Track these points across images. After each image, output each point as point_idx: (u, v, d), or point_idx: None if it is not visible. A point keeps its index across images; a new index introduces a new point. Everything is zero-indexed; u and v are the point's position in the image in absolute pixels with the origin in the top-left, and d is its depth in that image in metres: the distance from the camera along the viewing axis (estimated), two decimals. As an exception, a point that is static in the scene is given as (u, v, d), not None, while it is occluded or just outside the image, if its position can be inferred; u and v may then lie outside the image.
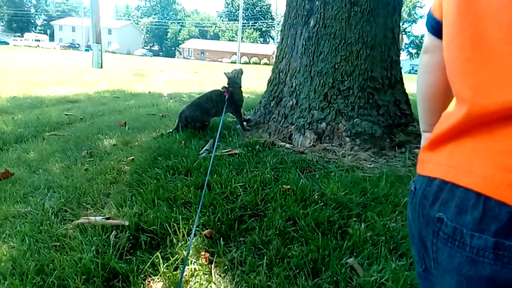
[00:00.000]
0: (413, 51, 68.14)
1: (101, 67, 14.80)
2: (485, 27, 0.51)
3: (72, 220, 1.69)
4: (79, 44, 58.14)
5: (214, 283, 1.28)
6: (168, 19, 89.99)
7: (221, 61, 46.98)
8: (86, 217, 1.67)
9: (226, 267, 1.36)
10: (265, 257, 1.39)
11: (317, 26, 3.01)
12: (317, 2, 3.03)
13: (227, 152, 2.52)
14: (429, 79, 0.78)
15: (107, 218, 1.61)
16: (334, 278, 1.29)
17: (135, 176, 2.11)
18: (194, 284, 1.27)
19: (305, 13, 3.11)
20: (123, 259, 1.39)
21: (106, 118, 4.08)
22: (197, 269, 1.33)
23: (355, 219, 1.66)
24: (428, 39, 0.75)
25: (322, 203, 1.79)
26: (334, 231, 1.57)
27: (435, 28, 0.70)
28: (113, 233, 1.50)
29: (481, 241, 0.46)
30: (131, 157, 2.44)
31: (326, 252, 1.41)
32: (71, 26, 69.37)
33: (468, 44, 0.53)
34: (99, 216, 1.68)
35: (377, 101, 2.93)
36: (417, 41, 67.35)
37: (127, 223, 1.55)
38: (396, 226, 1.59)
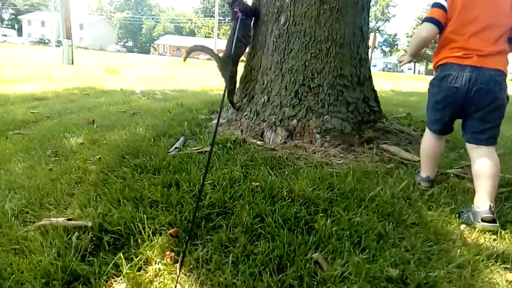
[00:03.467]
0: (387, 49, 69.64)
1: (72, 63, 14.37)
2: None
3: (34, 222, 1.64)
4: (49, 40, 56.13)
5: (179, 283, 1.27)
6: (142, 15, 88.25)
7: (198, 58, 46.51)
8: (48, 219, 1.61)
9: (191, 266, 1.35)
10: (231, 255, 1.39)
11: (287, 23, 3.02)
12: (287, 0, 3.04)
13: (197, 149, 2.50)
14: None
15: (69, 219, 1.57)
16: (299, 274, 1.30)
17: (101, 176, 2.06)
18: (159, 284, 1.25)
19: (275, 11, 3.12)
20: (85, 261, 1.35)
21: (74, 116, 3.96)
22: (162, 269, 1.32)
23: (321, 214, 1.68)
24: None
25: (290, 200, 1.81)
26: (301, 227, 1.59)
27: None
28: (75, 234, 1.46)
29: None
30: (98, 156, 2.38)
31: (292, 248, 1.42)
32: (41, 21, 66.92)
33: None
34: (62, 217, 1.63)
35: (347, 98, 2.97)
36: (390, 40, 68.84)
37: (90, 224, 1.51)
38: (360, 221, 1.62)
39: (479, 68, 1.80)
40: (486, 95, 1.80)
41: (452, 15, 1.89)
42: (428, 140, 2.11)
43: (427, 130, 2.11)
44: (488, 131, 1.86)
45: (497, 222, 1.70)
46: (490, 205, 1.74)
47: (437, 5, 1.94)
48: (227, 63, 3.02)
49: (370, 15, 3.45)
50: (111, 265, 1.31)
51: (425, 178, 2.09)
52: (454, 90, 1.85)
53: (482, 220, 1.69)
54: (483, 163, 1.85)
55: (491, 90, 1.80)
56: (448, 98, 1.90)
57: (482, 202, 1.76)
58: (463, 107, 1.88)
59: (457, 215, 1.78)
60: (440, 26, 1.93)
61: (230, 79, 3.02)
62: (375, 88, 3.42)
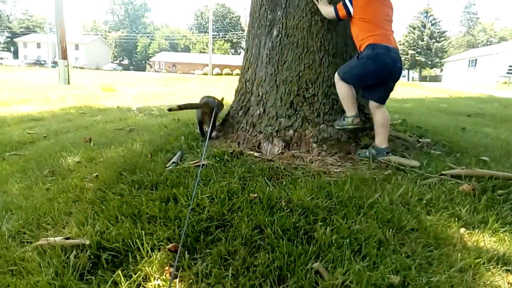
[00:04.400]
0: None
1: (68, 83, 14.46)
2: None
3: (31, 243, 1.62)
4: (45, 61, 56.52)
5: (179, 298, 1.25)
6: (137, 33, 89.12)
7: (193, 73, 46.80)
8: (45, 239, 1.60)
9: (191, 281, 1.33)
10: (231, 268, 1.38)
11: (280, 35, 3.06)
12: (279, 12, 3.09)
13: (194, 163, 2.49)
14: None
15: (67, 238, 1.55)
16: (300, 284, 1.29)
17: (98, 193, 2.05)
18: (158, 300, 1.24)
19: (268, 23, 3.16)
20: (84, 280, 1.34)
21: (71, 135, 3.97)
22: (161, 285, 1.30)
23: (321, 223, 1.68)
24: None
25: (289, 210, 1.80)
26: (300, 237, 1.58)
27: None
28: (73, 253, 1.45)
29: None
30: (95, 174, 2.37)
31: (292, 258, 1.41)
32: (36, 43, 67.59)
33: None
34: (59, 236, 1.62)
35: (342, 107, 2.99)
36: (383, 48, 69.39)
37: (87, 242, 1.50)
38: (360, 228, 1.61)
39: (395, 49, 2.60)
40: (400, 71, 2.66)
41: (360, 10, 2.59)
42: (347, 88, 2.68)
43: (345, 83, 2.69)
44: (388, 96, 2.75)
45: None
46: (388, 144, 2.69)
47: (344, 6, 2.65)
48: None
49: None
50: (109, 282, 1.29)
51: (355, 115, 2.66)
52: (385, 65, 2.56)
53: (387, 153, 2.62)
54: (383, 116, 2.70)
55: (401, 68, 2.66)
56: (379, 70, 2.58)
57: (384, 142, 2.66)
58: (384, 78, 2.63)
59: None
60: (340, 21, 2.83)
61: (202, 113, 3.33)
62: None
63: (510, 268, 1.41)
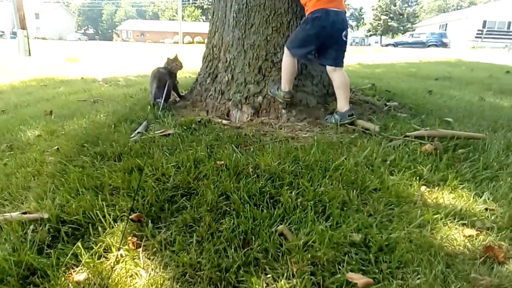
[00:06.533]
0: (353, 23, 69.94)
1: (29, 54, 13.62)
2: None
3: (-13, 220, 1.55)
4: (3, 32, 52.89)
5: (142, 267, 1.24)
6: (101, 0, 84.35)
7: (163, 42, 45.14)
8: (2, 214, 1.53)
9: (155, 249, 1.32)
10: (196, 235, 1.37)
11: (246, -3, 2.95)
12: (244, -27, 2.95)
13: (160, 133, 2.43)
14: None
15: (24, 213, 1.49)
16: (264, 246, 1.30)
17: (59, 166, 1.97)
18: (121, 270, 1.22)
19: (234, -16, 3.02)
20: (43, 254, 1.30)
21: (31, 109, 3.77)
22: (124, 254, 1.28)
23: (286, 187, 1.68)
24: None
25: (256, 176, 1.79)
26: (266, 201, 1.58)
27: None
28: (30, 228, 1.40)
29: None
30: (56, 147, 2.27)
31: (257, 222, 1.42)
32: (-8, 12, 62.89)
33: None
34: (17, 211, 1.56)
35: (311, 72, 2.96)
36: (356, 14, 69.08)
37: (46, 216, 1.45)
38: (325, 190, 1.63)
39: (337, 11, 2.54)
40: (340, 32, 2.60)
41: None
42: (291, 61, 2.67)
43: (289, 54, 2.67)
44: (342, 57, 2.69)
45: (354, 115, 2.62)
46: (350, 106, 2.65)
47: None
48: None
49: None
50: (69, 255, 1.26)
51: (288, 91, 2.68)
52: (323, 28, 2.55)
53: (349, 116, 2.58)
54: (341, 79, 2.67)
55: (343, 29, 2.61)
56: (319, 33, 2.58)
57: (345, 105, 2.64)
58: (327, 40, 2.61)
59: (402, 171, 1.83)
60: None
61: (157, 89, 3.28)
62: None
63: (466, 222, 1.47)
